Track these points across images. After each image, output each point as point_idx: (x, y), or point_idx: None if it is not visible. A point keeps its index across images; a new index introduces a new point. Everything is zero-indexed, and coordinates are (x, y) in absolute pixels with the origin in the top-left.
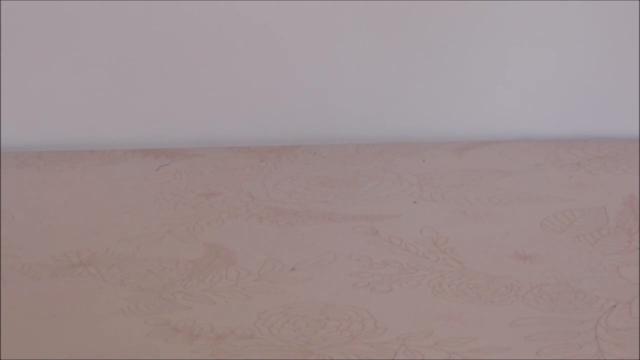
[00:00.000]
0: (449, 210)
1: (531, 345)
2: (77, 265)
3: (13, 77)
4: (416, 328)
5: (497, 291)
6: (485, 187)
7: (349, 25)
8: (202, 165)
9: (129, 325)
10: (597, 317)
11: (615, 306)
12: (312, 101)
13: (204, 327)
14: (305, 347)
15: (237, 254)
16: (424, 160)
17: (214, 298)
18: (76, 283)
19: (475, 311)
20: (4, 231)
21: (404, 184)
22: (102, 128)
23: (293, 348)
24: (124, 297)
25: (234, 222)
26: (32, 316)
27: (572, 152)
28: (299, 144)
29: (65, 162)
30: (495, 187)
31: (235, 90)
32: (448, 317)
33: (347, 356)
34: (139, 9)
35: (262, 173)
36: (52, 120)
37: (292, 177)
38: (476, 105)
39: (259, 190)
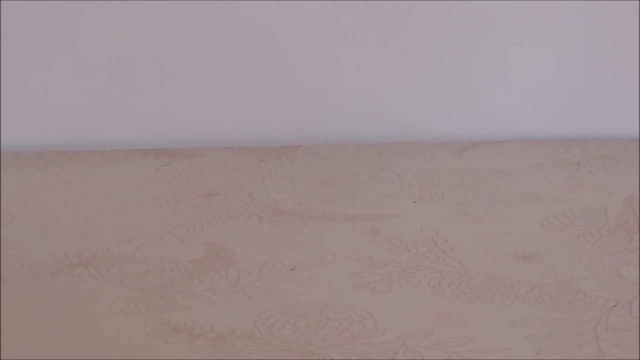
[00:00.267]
0: (449, 210)
1: (531, 345)
2: (77, 265)
3: (13, 77)
4: (416, 328)
5: (497, 291)
6: (485, 187)
7: (349, 25)
8: (202, 165)
9: (129, 325)
10: (597, 317)
11: (615, 306)
12: (312, 101)
13: (204, 327)
14: (305, 347)
15: (237, 254)
16: (424, 160)
17: (214, 298)
18: (76, 283)
19: (475, 311)
20: (4, 231)
21: (404, 184)
22: (102, 128)
23: (293, 348)
24: (124, 297)
25: (234, 222)
26: (32, 316)
27: (572, 152)
28: (299, 144)
29: (65, 162)
30: (495, 187)
31: (235, 90)
32: (448, 317)
33: (347, 356)
34: (139, 9)
35: (262, 173)
36: (52, 120)
37: (292, 177)
38: (476, 105)
39: (259, 190)
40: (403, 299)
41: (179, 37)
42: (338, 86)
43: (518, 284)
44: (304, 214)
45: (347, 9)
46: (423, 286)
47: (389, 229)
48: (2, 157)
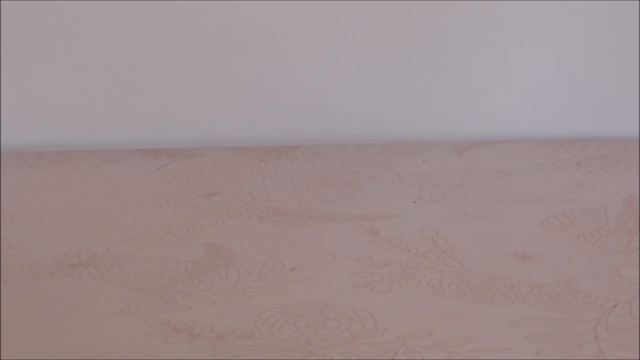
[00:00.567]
0: (449, 210)
1: (531, 345)
2: (77, 265)
3: (13, 77)
4: (416, 328)
5: (497, 291)
6: (485, 187)
7: (349, 25)
8: (202, 165)
9: (129, 325)
10: (597, 317)
11: (615, 306)
12: (312, 101)
13: (204, 327)
14: (305, 347)
15: (237, 254)
16: (424, 160)
17: (214, 298)
18: (76, 283)
19: (475, 311)
20: (4, 231)
21: (404, 184)
22: (102, 128)
23: (293, 348)
24: (124, 297)
25: (234, 222)
26: (32, 316)
27: (572, 152)
28: (299, 144)
29: (65, 162)
30: (495, 187)
31: (235, 90)
32: (448, 317)
33: (347, 356)
34: (139, 9)
35: (262, 173)
36: (52, 120)
37: (292, 177)
38: (476, 105)
39: (259, 190)
40: (403, 299)
41: (179, 37)
42: (338, 86)
43: (518, 284)
44: (304, 214)
45: (347, 9)
46: (423, 286)
47: (389, 229)
48: (2, 157)
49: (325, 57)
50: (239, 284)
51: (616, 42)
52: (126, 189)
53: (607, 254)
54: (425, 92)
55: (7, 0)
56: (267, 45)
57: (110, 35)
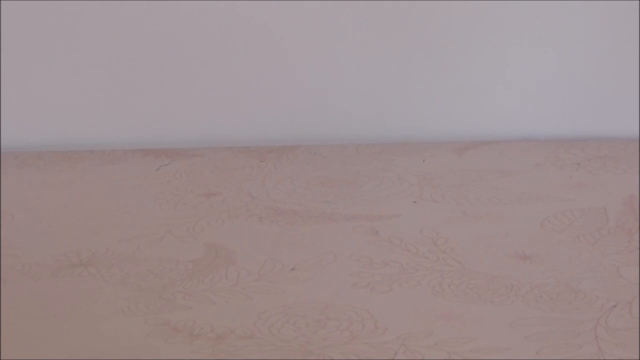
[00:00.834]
0: (449, 210)
1: (531, 345)
2: (77, 265)
3: (13, 77)
4: (416, 328)
5: (497, 291)
6: (485, 187)
7: (349, 25)
8: (202, 165)
9: (129, 325)
10: (597, 317)
11: (615, 306)
12: (312, 101)
13: (204, 327)
14: (305, 347)
15: (237, 254)
16: (424, 160)
17: (214, 298)
18: (76, 283)
19: (475, 311)
20: (4, 231)
21: (404, 184)
22: (102, 128)
23: (293, 348)
24: (124, 297)
25: (234, 222)
26: (32, 316)
27: (572, 152)
28: (299, 144)
29: (65, 162)
30: (495, 187)
31: (235, 90)
32: (448, 317)
33: (347, 356)
34: (139, 9)
35: (262, 173)
36: (52, 120)
37: (292, 177)
38: (476, 105)
39: (259, 190)
40: (403, 299)
41: (179, 37)
42: (338, 86)
43: (518, 284)
44: (304, 214)
45: (347, 9)
46: (423, 286)
47: (389, 229)
48: (2, 157)
49: (325, 57)
50: (239, 284)
51: (616, 42)
52: (126, 189)
53: (607, 254)
54: (425, 92)
55: (7, 0)
56: (267, 45)
57: (110, 35)
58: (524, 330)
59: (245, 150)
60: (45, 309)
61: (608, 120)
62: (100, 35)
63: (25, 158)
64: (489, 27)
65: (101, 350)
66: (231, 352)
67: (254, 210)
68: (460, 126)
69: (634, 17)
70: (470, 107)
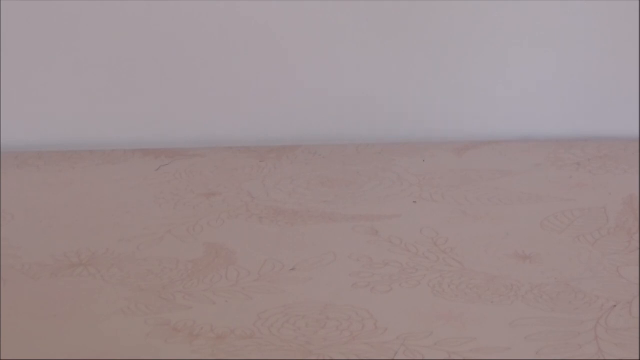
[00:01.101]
0: (449, 210)
1: (531, 345)
2: (77, 265)
3: (13, 77)
4: (416, 328)
5: (497, 291)
6: (485, 187)
7: (349, 25)
8: (202, 165)
9: (129, 325)
10: (597, 317)
11: (615, 306)
12: (312, 101)
13: (204, 327)
14: (305, 347)
15: (237, 254)
16: (424, 160)
17: (214, 298)
18: (76, 283)
19: (475, 311)
20: (4, 231)
21: (404, 184)
22: (102, 128)
23: (293, 348)
24: (124, 297)
25: (234, 222)
26: (32, 316)
27: (572, 152)
28: (299, 144)
29: (65, 162)
30: (495, 187)
31: (235, 90)
32: (448, 317)
33: (347, 356)
34: (139, 9)
35: (262, 173)
36: (52, 120)
37: (292, 177)
38: (476, 105)
39: (259, 190)
40: (403, 299)
41: (179, 37)
42: (338, 86)
43: (518, 284)
44: (304, 214)
45: (347, 9)
46: (423, 286)
47: (389, 229)
48: (2, 157)
49: (325, 57)
50: (239, 284)
51: (616, 42)
52: (126, 189)
53: (607, 254)
54: (425, 92)
55: (7, 0)
56: (267, 45)
57: (110, 35)
58: (524, 330)
59: (245, 150)
60: (45, 309)
61: (608, 120)
62: (100, 35)
63: (25, 158)
64: (489, 27)
65: (101, 350)
66: (231, 352)
67: (254, 210)
68: (460, 126)
69: (634, 17)
70: (470, 107)
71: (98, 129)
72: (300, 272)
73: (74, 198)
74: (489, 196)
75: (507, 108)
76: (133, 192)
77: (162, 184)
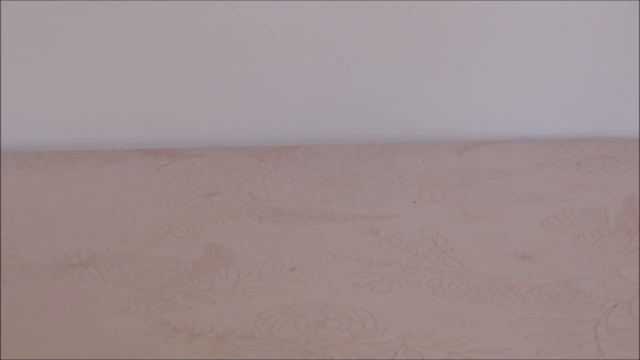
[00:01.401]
0: (449, 210)
1: (531, 345)
2: (77, 265)
3: (13, 77)
4: (416, 328)
5: (497, 291)
6: (485, 187)
7: (349, 25)
8: (202, 165)
9: (129, 325)
10: (597, 317)
11: (615, 306)
12: (312, 101)
13: (204, 327)
14: (305, 347)
15: (237, 254)
16: (424, 160)
17: (214, 298)
18: (76, 283)
19: (475, 311)
20: (4, 231)
21: (404, 184)
22: (102, 128)
23: (293, 348)
24: (124, 297)
25: (234, 222)
26: (32, 316)
27: (572, 152)
28: (299, 144)
29: (65, 162)
30: (495, 187)
31: (235, 90)
32: (448, 317)
33: (347, 356)
34: (139, 9)
35: (262, 173)
36: (52, 120)
37: (292, 177)
38: (476, 105)
39: (259, 190)
40: (403, 299)
41: (179, 37)
42: (338, 86)
43: (518, 284)
44: (304, 214)
45: (347, 9)
46: (423, 286)
47: (389, 229)
48: (2, 157)
49: (325, 57)
50: (239, 284)
51: (616, 42)
52: (126, 189)
53: (607, 254)
54: (425, 92)
55: (7, 0)
56: (267, 45)
57: (110, 35)
58: (524, 330)
59: (245, 150)
60: (45, 309)
61: (608, 120)
62: (101, 35)
63: (25, 158)
64: (489, 27)
65: (101, 350)
66: (231, 352)
67: (254, 210)
68: (460, 126)
69: (634, 17)
70: (470, 107)
71: (98, 129)
72: (300, 272)
73: (74, 198)
74: (489, 196)
75: (507, 108)
76: (133, 192)
77: (162, 184)
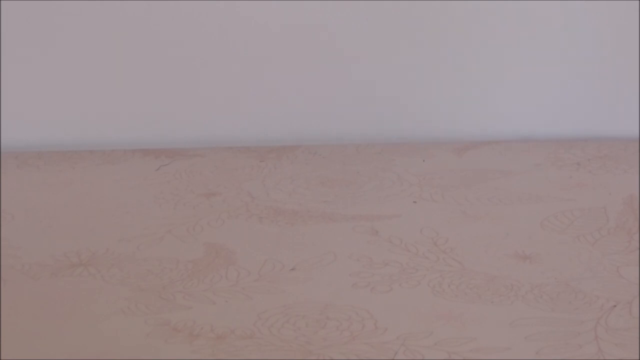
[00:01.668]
0: (449, 210)
1: (531, 345)
2: (77, 265)
3: (13, 77)
4: (416, 328)
5: (497, 291)
6: (485, 187)
7: (349, 25)
8: (202, 165)
9: (129, 325)
10: (597, 317)
11: (615, 306)
12: (312, 101)
13: (204, 327)
14: (305, 347)
15: (237, 254)
16: (424, 160)
17: (214, 298)
18: (76, 283)
19: (475, 311)
20: (4, 231)
21: (404, 184)
22: (102, 128)
23: (293, 348)
24: (124, 297)
25: (234, 222)
26: (32, 316)
27: (572, 152)
28: (299, 144)
29: (65, 162)
30: (495, 187)
31: (235, 90)
32: (448, 317)
33: (347, 356)
34: (139, 9)
35: (262, 173)
36: (52, 120)
37: (292, 177)
38: (476, 105)
39: (259, 190)
40: (403, 299)
41: (179, 37)
42: (338, 86)
43: (518, 284)
44: (304, 214)
45: (347, 9)
46: (423, 286)
47: (389, 229)
48: (2, 157)
49: (325, 57)
50: (239, 284)
51: (616, 42)
52: (126, 189)
53: (607, 254)
54: (425, 92)
55: (7, 0)
56: (267, 45)
57: (110, 35)
58: (524, 330)
59: (245, 150)
60: (45, 309)
61: (608, 120)
62: (100, 35)
63: (25, 158)
64: (489, 27)
65: (101, 350)
66: (231, 352)
67: (254, 210)
68: (460, 126)
69: (634, 17)
70: (470, 107)
71: (98, 129)
72: (300, 272)
73: (74, 198)
74: (489, 196)
75: (507, 108)
76: (133, 192)
77: (162, 184)
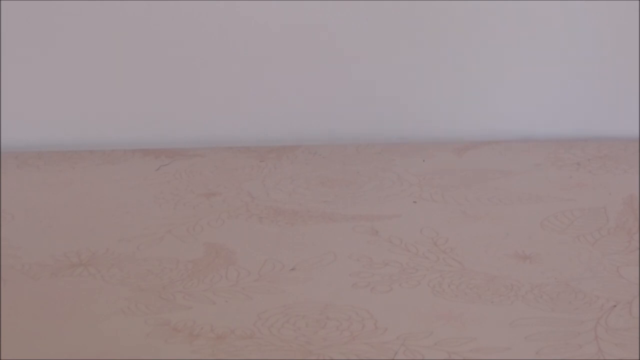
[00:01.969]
0: (449, 210)
1: (531, 345)
2: (77, 265)
3: (13, 77)
4: (416, 328)
5: (497, 291)
6: (485, 187)
7: (349, 25)
8: (202, 165)
9: (129, 325)
10: (597, 317)
11: (615, 306)
12: (312, 101)
13: (204, 327)
14: (305, 347)
15: (237, 254)
16: (424, 160)
17: (214, 298)
18: (76, 283)
19: (475, 311)
20: (4, 231)
21: (404, 184)
22: (102, 128)
23: (293, 348)
24: (124, 297)
25: (234, 222)
26: (32, 316)
27: (572, 152)
28: (299, 144)
29: (65, 162)
30: (495, 187)
31: (235, 90)
32: (448, 317)
33: (347, 356)
34: (139, 9)
35: (262, 173)
36: (52, 120)
37: (292, 177)
38: (476, 105)
39: (259, 190)
40: (403, 299)
41: (179, 37)
42: (338, 86)
43: (518, 284)
44: (304, 214)
45: (347, 9)
46: (423, 286)
47: (389, 229)
48: (2, 157)
49: (325, 57)
50: (239, 284)
51: (616, 42)
52: (126, 189)
53: (607, 254)
54: (425, 92)
55: (7, 0)
56: (267, 45)
57: (110, 35)
58: (524, 330)
59: (245, 150)
60: (45, 309)
61: (608, 120)
62: (100, 35)
63: (25, 158)
64: (489, 27)
65: (101, 350)
66: (231, 352)
67: (254, 210)
68: (460, 126)
69: (634, 17)
70: (470, 107)
71: (98, 129)
72: (300, 272)
73: (74, 198)
74: (489, 196)
75: (507, 108)
76: (133, 192)
77: (162, 184)
